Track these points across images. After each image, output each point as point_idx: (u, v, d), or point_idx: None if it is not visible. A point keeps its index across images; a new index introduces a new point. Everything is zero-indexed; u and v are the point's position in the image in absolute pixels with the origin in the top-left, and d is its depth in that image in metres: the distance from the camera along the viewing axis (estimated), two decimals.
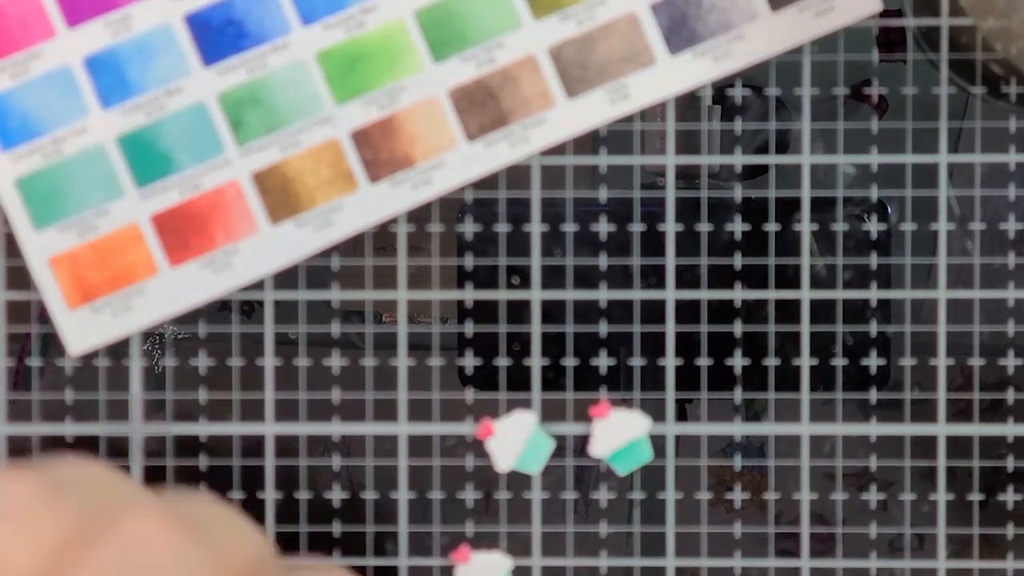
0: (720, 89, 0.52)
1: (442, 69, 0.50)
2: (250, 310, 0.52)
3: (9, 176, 0.49)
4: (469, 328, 0.52)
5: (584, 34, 0.50)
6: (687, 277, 0.51)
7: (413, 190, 0.50)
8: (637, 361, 0.52)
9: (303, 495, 0.52)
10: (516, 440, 0.51)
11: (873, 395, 0.53)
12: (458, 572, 0.52)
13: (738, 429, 0.53)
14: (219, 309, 0.51)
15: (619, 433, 0.51)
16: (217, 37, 0.49)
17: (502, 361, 0.52)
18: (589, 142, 0.51)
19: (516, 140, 0.50)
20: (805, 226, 0.51)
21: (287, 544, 0.51)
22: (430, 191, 0.50)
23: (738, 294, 0.51)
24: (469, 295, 0.52)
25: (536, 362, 0.51)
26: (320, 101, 0.50)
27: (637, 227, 0.52)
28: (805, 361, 0.52)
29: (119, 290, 0.49)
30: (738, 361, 0.52)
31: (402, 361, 0.51)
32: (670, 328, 0.51)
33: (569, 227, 0.52)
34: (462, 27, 0.50)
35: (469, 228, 0.52)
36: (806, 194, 0.51)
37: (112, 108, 0.49)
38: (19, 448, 0.51)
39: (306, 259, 0.51)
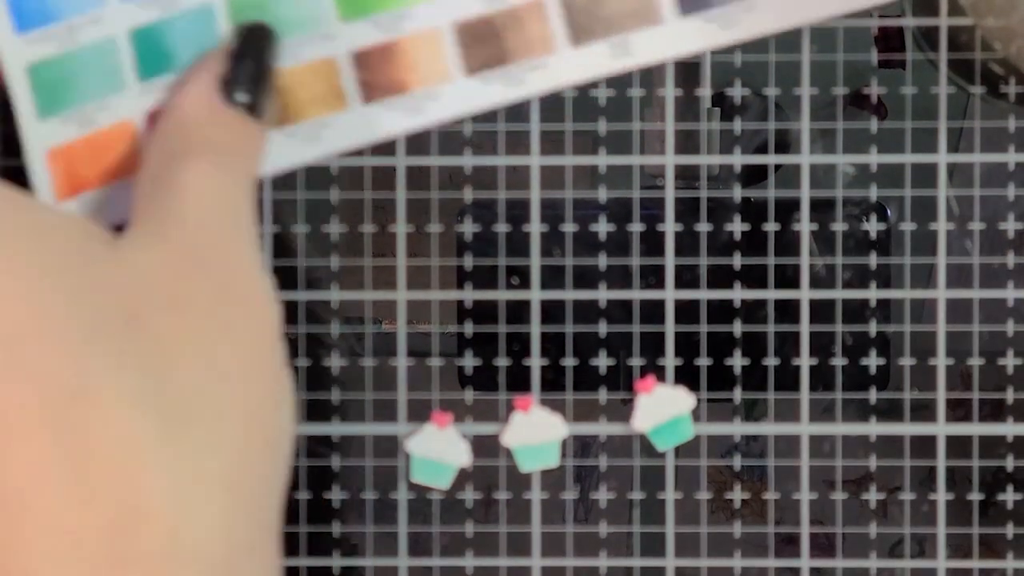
0: (719, 91, 0.53)
1: (451, 1, 0.50)
2: None
3: (21, 61, 0.49)
4: (469, 328, 0.51)
5: None
6: (686, 277, 0.51)
7: (405, 116, 0.50)
8: (637, 361, 0.51)
9: (303, 495, 0.52)
10: (663, 411, 0.50)
11: (873, 395, 0.52)
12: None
13: (738, 429, 0.53)
14: None
15: (663, 409, 0.50)
16: None
17: (502, 361, 0.51)
18: (589, 142, 0.51)
19: (513, 81, 0.50)
20: (804, 226, 0.51)
21: (288, 544, 0.50)
22: (422, 120, 0.50)
23: (737, 294, 0.51)
24: (469, 295, 0.51)
25: (536, 362, 0.51)
26: (325, 17, 0.49)
27: (636, 227, 0.51)
28: (804, 361, 0.51)
29: (106, 185, 0.48)
30: (738, 361, 0.52)
31: (401, 361, 0.50)
32: (669, 328, 0.50)
33: (569, 227, 0.52)
34: None
35: (469, 228, 0.52)
36: (806, 194, 0.51)
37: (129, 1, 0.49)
38: None
39: (299, 167, 0.49)
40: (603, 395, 0.52)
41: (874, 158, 0.51)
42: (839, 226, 0.53)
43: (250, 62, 0.46)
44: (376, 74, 0.50)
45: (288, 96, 0.49)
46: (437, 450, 0.50)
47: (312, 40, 0.50)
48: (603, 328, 0.51)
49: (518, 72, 0.50)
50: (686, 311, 0.51)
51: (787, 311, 0.52)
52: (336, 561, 0.51)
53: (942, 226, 0.52)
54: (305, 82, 0.50)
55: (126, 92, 0.48)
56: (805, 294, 0.51)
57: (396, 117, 0.50)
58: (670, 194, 0.51)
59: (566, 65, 0.50)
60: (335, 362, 0.51)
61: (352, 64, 0.50)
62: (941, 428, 0.51)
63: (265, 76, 0.46)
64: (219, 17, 0.49)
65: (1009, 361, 0.52)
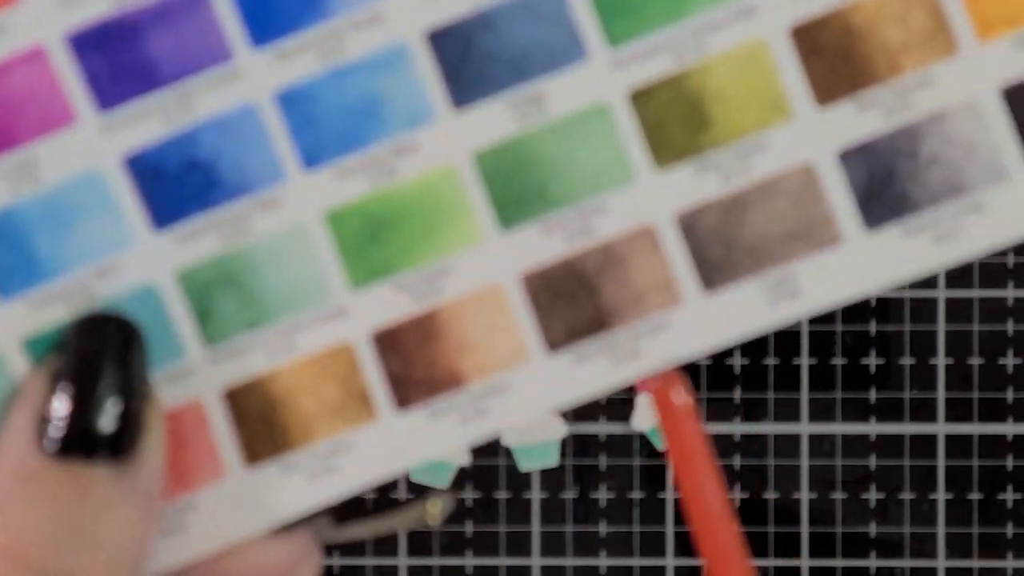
0: None
1: (512, 241, 0.35)
2: None
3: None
4: None
5: (732, 195, 0.34)
6: None
7: (461, 424, 0.35)
8: None
9: None
10: None
11: (872, 394, 0.52)
12: None
13: (738, 429, 0.52)
14: None
15: None
16: (173, 187, 0.34)
17: None
18: None
19: (622, 355, 0.34)
20: None
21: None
22: (487, 427, 0.35)
23: None
24: None
25: None
26: (328, 285, 0.35)
27: None
28: (804, 360, 0.52)
29: None
30: (737, 360, 0.52)
31: None
32: None
33: None
34: (544, 179, 0.34)
35: None
36: None
37: (13, 299, 0.35)
38: None
39: (304, 515, 0.36)
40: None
41: None
42: None
43: (99, 372, 0.32)
44: (412, 363, 0.35)
45: (287, 410, 0.35)
46: None
47: (314, 320, 0.34)
48: None
49: (628, 341, 0.33)
50: None
51: None
52: (336, 560, 0.52)
53: None
54: (311, 385, 0.35)
55: None
56: None
57: (448, 427, 0.34)
58: None
59: (701, 322, 0.33)
60: None
61: (376, 351, 0.34)
62: (941, 427, 0.51)
63: (133, 388, 0.32)
64: (168, 299, 0.34)
65: (1009, 361, 0.51)
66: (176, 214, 0.34)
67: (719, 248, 0.35)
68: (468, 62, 0.34)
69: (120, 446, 0.31)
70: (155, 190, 0.34)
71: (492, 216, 0.34)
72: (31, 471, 0.30)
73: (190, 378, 0.34)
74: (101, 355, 0.32)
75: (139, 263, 0.34)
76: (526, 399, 0.35)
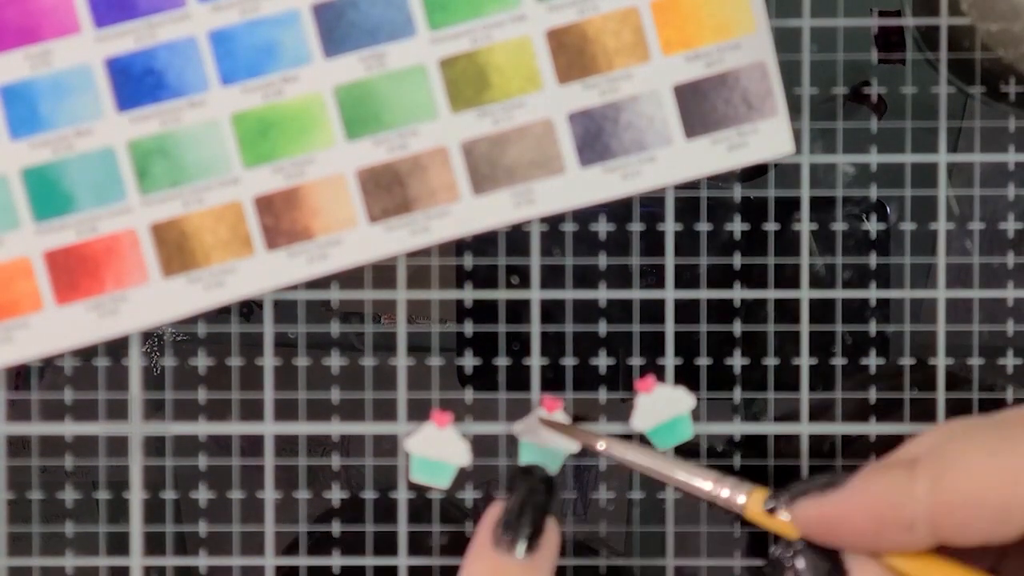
0: None
1: (354, 148, 0.48)
2: (248, 312, 0.51)
3: None
4: (468, 328, 0.50)
5: (499, 133, 0.48)
6: (686, 276, 0.50)
7: (308, 263, 0.48)
8: (636, 361, 0.50)
9: (303, 495, 0.51)
10: (663, 411, 0.50)
11: (872, 395, 0.51)
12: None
13: (737, 428, 0.52)
14: (218, 312, 0.50)
15: (663, 409, 0.50)
16: (135, 85, 0.47)
17: (501, 361, 0.50)
18: None
19: (417, 229, 0.48)
20: (804, 226, 0.50)
21: (288, 543, 0.51)
22: (324, 266, 0.48)
23: (737, 294, 0.50)
24: (468, 295, 0.50)
25: (535, 362, 0.50)
26: (228, 162, 0.48)
27: (636, 227, 0.50)
28: (804, 361, 0.51)
29: (1, 321, 0.48)
30: (737, 361, 0.51)
31: (401, 361, 0.49)
32: (669, 328, 0.50)
33: (568, 227, 0.50)
34: (379, 109, 0.48)
35: None
36: (805, 194, 0.50)
37: (21, 140, 0.47)
38: (19, 447, 0.50)
39: (196, 315, 0.49)
40: (603, 395, 0.51)
41: (874, 158, 0.50)
42: (839, 225, 0.51)
43: (529, 517, 0.45)
44: (280, 219, 0.49)
45: (193, 241, 0.49)
46: (437, 450, 0.50)
47: (217, 185, 0.48)
48: (603, 327, 0.50)
49: (422, 220, 0.49)
50: (686, 311, 0.50)
51: (787, 311, 0.50)
52: (336, 560, 0.51)
53: (942, 226, 0.50)
54: (211, 226, 0.49)
55: (21, 230, 0.48)
56: (805, 294, 0.50)
57: (299, 264, 0.49)
58: (670, 193, 0.50)
59: (469, 213, 0.49)
60: (335, 361, 0.50)
61: (256, 209, 0.49)
62: None
63: (544, 524, 0.46)
64: (121, 159, 0.48)
65: (1009, 361, 0.51)
66: (134, 102, 0.48)
67: (487, 167, 0.49)
68: (338, 27, 0.48)
69: (532, 547, 0.44)
70: (123, 84, 0.48)
71: (342, 129, 0.48)
72: (485, 556, 0.44)
73: (129, 214, 0.48)
74: (529, 497, 0.45)
75: (105, 131, 0.48)
76: (354, 250, 0.48)
